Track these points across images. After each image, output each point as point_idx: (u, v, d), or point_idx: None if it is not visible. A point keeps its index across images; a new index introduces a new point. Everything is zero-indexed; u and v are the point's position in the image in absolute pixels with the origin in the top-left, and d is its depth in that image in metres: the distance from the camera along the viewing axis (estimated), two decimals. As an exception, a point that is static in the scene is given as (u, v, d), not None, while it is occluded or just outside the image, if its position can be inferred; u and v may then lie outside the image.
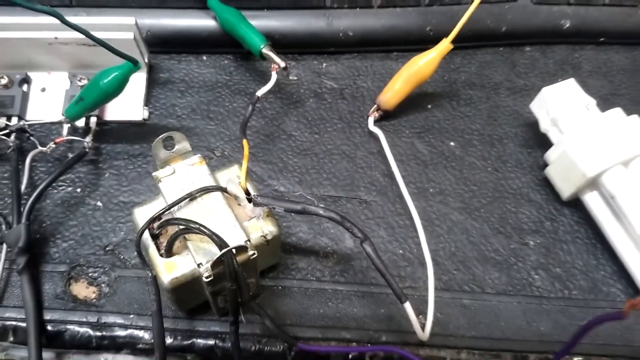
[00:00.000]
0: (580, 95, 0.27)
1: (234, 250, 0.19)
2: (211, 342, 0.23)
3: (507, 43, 0.33)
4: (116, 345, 0.23)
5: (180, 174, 0.22)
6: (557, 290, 0.25)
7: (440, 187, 0.28)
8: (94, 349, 0.23)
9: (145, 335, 0.23)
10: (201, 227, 0.19)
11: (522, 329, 0.24)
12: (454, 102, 0.31)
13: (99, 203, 0.26)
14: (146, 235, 0.20)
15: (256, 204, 0.21)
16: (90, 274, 0.24)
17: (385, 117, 0.30)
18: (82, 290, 0.23)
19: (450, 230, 0.26)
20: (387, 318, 0.24)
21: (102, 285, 0.24)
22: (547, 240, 0.26)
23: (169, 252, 0.20)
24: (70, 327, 0.23)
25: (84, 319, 0.23)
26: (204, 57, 0.31)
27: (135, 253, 0.24)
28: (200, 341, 0.23)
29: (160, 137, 0.22)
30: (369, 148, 0.29)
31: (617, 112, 0.26)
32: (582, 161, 0.25)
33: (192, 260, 0.20)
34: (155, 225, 0.20)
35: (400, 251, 0.26)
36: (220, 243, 0.19)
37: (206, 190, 0.21)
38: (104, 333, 0.23)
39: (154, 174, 0.22)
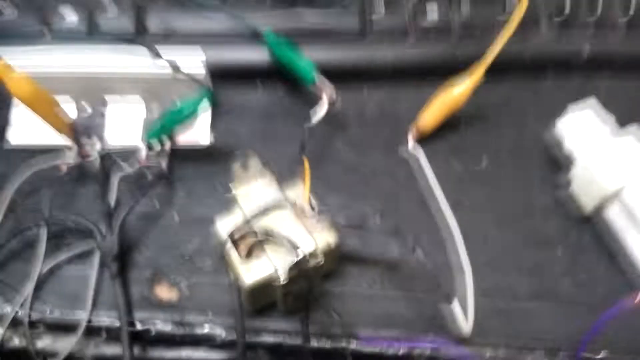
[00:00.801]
0: (600, 116, 0.30)
1: (307, 256, 0.22)
2: (279, 338, 0.26)
3: (530, 72, 0.36)
4: (196, 341, 0.26)
5: (254, 191, 0.25)
6: (582, 296, 0.28)
7: (475, 202, 0.31)
8: (176, 344, 0.26)
9: (222, 332, 0.26)
10: (280, 235, 0.22)
11: (552, 329, 0.27)
12: (484, 123, 0.34)
13: (175, 217, 0.29)
14: (229, 242, 0.24)
15: (319, 214, 0.25)
16: (171, 278, 0.27)
17: (424, 140, 0.33)
18: (164, 292, 0.27)
19: (485, 242, 0.30)
20: (431, 319, 0.27)
21: (182, 288, 0.27)
22: (572, 251, 0.29)
23: (248, 257, 0.24)
24: (156, 324, 0.26)
25: (168, 318, 0.26)
26: (258, 88, 0.34)
27: (209, 261, 0.28)
28: (269, 337, 0.26)
29: (239, 158, 0.25)
30: (408, 166, 0.32)
31: (635, 129, 0.29)
32: (601, 177, 0.28)
33: (269, 265, 0.23)
34: (236, 234, 0.24)
35: (440, 259, 0.29)
36: (295, 248, 0.22)
37: (279, 205, 0.24)
38: (186, 330, 0.26)
39: (233, 192, 0.25)
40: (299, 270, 0.23)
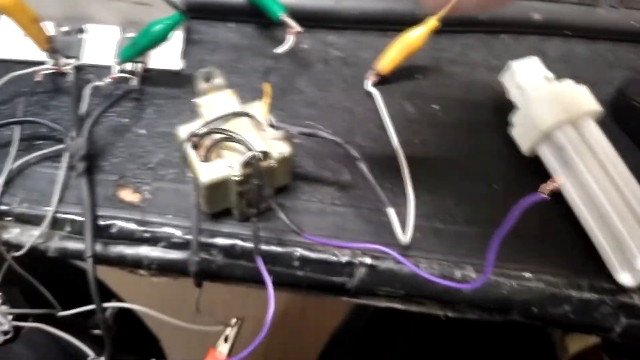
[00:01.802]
0: (541, 69, 0.33)
1: (260, 155, 0.24)
2: (232, 241, 0.28)
3: (486, 30, 0.39)
4: (155, 239, 0.28)
5: (216, 102, 0.27)
6: (519, 223, 0.31)
7: (424, 140, 0.33)
8: (136, 241, 0.28)
9: (179, 232, 0.28)
10: (235, 135, 0.25)
11: (483, 250, 0.30)
12: (438, 73, 0.37)
13: (142, 131, 0.31)
14: (188, 146, 0.26)
15: (275, 128, 0.27)
16: (135, 183, 0.29)
17: (381, 82, 0.35)
18: (128, 195, 0.29)
19: (429, 174, 0.32)
20: (376, 231, 0.29)
21: (145, 192, 0.29)
22: (509, 186, 0.32)
23: (206, 158, 0.26)
24: (118, 222, 0.28)
25: (130, 216, 0.28)
26: (230, 24, 0.36)
27: (172, 171, 0.30)
28: (223, 240, 0.28)
29: (202, 70, 0.27)
30: (366, 105, 0.34)
31: (569, 82, 0.32)
32: (537, 118, 0.31)
33: (226, 164, 0.25)
34: (195, 136, 0.26)
35: (388, 185, 0.31)
36: (250, 147, 0.24)
37: (237, 114, 0.27)
38: (146, 228, 0.28)
39: (195, 99, 0.27)
40: (253, 169, 0.25)
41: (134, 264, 0.28)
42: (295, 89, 0.34)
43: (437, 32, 0.39)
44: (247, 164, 0.24)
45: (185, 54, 0.35)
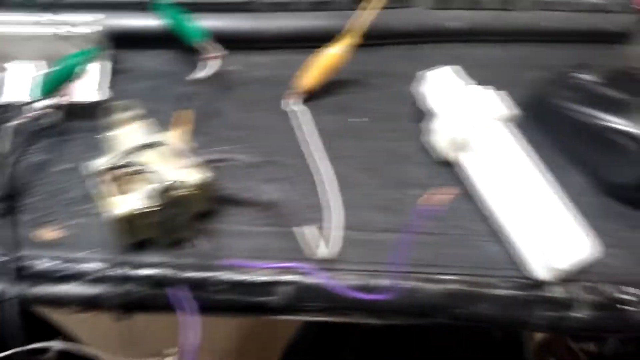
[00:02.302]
0: (453, 77, 0.34)
1: (171, 183, 0.25)
2: (154, 270, 0.29)
3: (407, 42, 0.40)
4: (77, 275, 0.28)
5: (130, 133, 0.28)
6: (433, 228, 0.32)
7: (347, 153, 0.34)
8: (59, 279, 0.28)
9: (100, 266, 0.28)
10: (144, 168, 0.25)
11: (406, 257, 0.31)
12: (361, 87, 0.38)
13: (64, 166, 0.31)
14: (99, 178, 0.26)
15: (192, 155, 0.27)
16: (56, 221, 0.29)
17: (306, 99, 0.36)
18: (47, 233, 0.29)
19: (352, 186, 0.33)
20: (298, 250, 0.30)
21: (66, 229, 0.29)
22: (425, 192, 0.33)
23: (120, 191, 0.26)
24: (40, 261, 0.28)
25: (52, 254, 0.28)
26: (153, 53, 0.37)
27: (93, 205, 0.30)
28: (145, 270, 0.29)
29: (116, 103, 0.28)
30: (289, 123, 0.35)
31: (478, 87, 0.33)
32: (449, 124, 0.32)
33: (139, 196, 0.26)
34: (108, 169, 0.26)
35: (312, 201, 0.32)
36: (161, 177, 0.25)
37: (151, 144, 0.27)
38: (68, 265, 0.28)
39: (109, 133, 0.28)
40: (169, 198, 0.25)
41: (58, 303, 0.28)
42: (219, 112, 0.35)
43: (360, 47, 0.40)
44: (159, 193, 0.25)
45: (109, 84, 0.35)
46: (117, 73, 0.36)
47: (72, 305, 0.28)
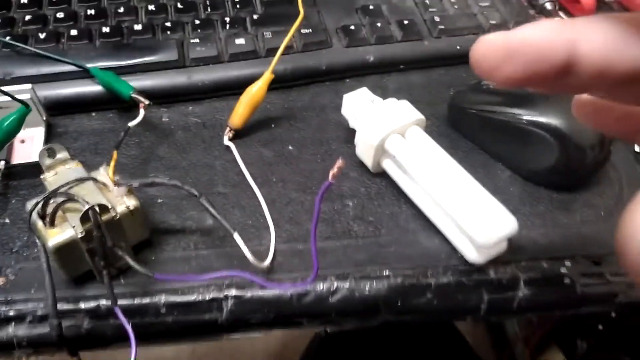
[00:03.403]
0: (368, 95, 0.37)
1: (96, 208, 0.26)
2: (96, 302, 0.29)
3: (331, 78, 0.44)
4: (21, 316, 0.28)
5: (62, 174, 0.29)
6: (370, 232, 0.33)
7: (281, 178, 0.36)
8: (2, 322, 0.28)
9: (42, 304, 0.29)
10: (69, 195, 0.27)
11: (343, 259, 0.32)
12: (291, 120, 0.40)
13: (7, 220, 0.32)
14: (35, 215, 0.27)
15: (118, 185, 0.29)
16: (1, 269, 0.30)
17: (239, 136, 0.39)
18: (-8, 281, 0.30)
19: (288, 204, 0.35)
20: (240, 264, 0.31)
21: (9, 274, 0.30)
22: (362, 201, 0.35)
23: (52, 224, 0.27)
24: (-20, 307, 0.29)
25: (-7, 300, 0.29)
26: (93, 114, 0.40)
27: (35, 251, 0.31)
28: (87, 303, 0.29)
29: (43, 147, 0.29)
30: (226, 158, 0.37)
31: (392, 100, 0.36)
32: (369, 136, 0.34)
33: (69, 226, 0.27)
34: (40, 207, 0.28)
35: (250, 222, 0.33)
36: (85, 204, 0.26)
37: (80, 180, 0.29)
38: (11, 307, 0.29)
39: (41, 176, 0.29)
40: (96, 224, 0.26)
41: (5, 346, 0.28)
42: (156, 156, 0.37)
43: (288, 87, 0.43)
44: (86, 218, 0.26)
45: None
46: (58, 136, 0.38)
47: (21, 347, 0.28)
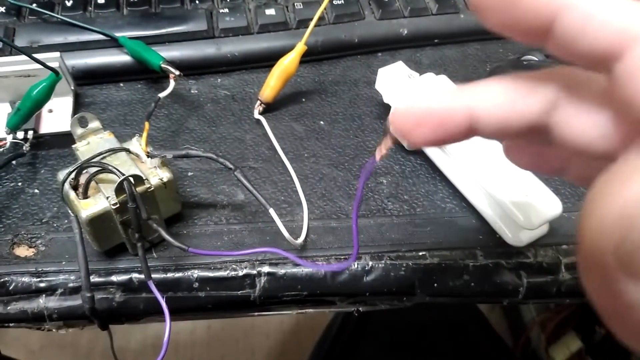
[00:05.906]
0: (405, 70, 0.36)
1: (131, 179, 0.26)
2: (129, 275, 0.28)
3: (363, 51, 0.43)
4: (52, 288, 0.28)
5: (94, 144, 0.29)
6: (405, 210, 0.32)
7: (313, 153, 0.35)
8: (33, 293, 0.28)
9: (74, 276, 0.28)
10: (103, 165, 0.26)
11: (378, 238, 0.31)
12: (322, 95, 0.39)
13: (36, 190, 0.32)
14: (67, 186, 0.27)
15: (152, 156, 0.28)
16: (30, 239, 0.30)
17: (269, 110, 0.38)
18: (23, 251, 0.29)
19: (320, 180, 0.34)
20: (273, 240, 0.30)
21: (40, 245, 0.29)
22: (396, 179, 0.34)
23: (85, 195, 0.27)
24: (14, 277, 0.28)
25: (25, 270, 0.28)
26: (121, 84, 0.39)
27: (66, 221, 0.31)
28: (119, 276, 0.29)
29: (75, 116, 0.29)
30: (256, 132, 0.36)
31: (430, 75, 0.35)
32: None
33: (103, 197, 0.26)
34: (72, 177, 0.27)
35: (283, 198, 0.33)
36: (121, 173, 0.26)
37: (113, 150, 0.28)
38: (42, 278, 0.28)
39: (72, 146, 0.29)
40: (131, 196, 0.26)
41: (35, 318, 0.28)
42: (186, 128, 0.36)
43: (318, 60, 0.42)
44: (120, 189, 0.26)
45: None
46: (86, 106, 0.37)
47: (52, 319, 0.28)
